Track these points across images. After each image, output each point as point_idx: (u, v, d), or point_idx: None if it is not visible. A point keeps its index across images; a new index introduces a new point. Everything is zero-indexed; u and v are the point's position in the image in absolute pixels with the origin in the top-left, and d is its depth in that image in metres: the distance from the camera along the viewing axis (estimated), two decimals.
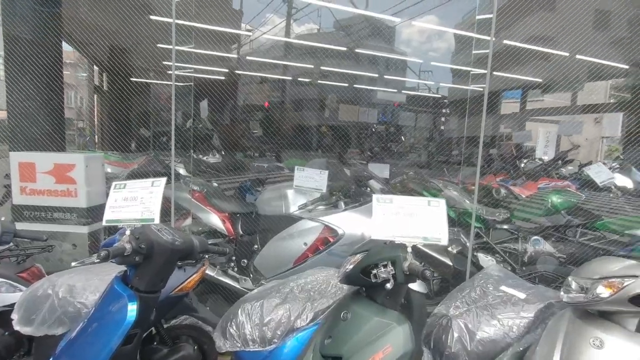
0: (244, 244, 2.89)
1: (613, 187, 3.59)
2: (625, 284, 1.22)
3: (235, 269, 2.88)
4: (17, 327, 1.72)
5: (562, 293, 1.43)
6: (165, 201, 3.32)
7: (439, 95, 11.08)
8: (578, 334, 1.30)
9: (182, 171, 3.88)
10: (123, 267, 1.53)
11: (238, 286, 2.82)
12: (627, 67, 7.11)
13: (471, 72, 3.14)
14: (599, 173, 3.11)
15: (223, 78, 8.57)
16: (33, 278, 2.18)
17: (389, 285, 1.18)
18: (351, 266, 1.34)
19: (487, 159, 6.53)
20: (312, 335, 1.53)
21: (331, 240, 2.53)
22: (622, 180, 3.73)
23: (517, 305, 1.62)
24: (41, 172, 2.68)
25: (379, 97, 10.21)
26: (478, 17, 2.66)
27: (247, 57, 8.23)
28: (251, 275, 2.82)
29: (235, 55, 8.55)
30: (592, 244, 2.69)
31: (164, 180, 1.28)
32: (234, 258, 2.88)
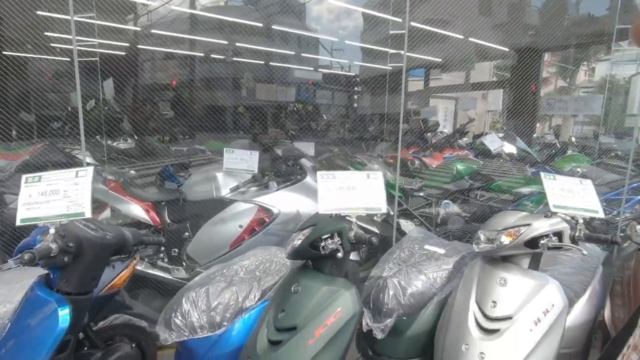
0: (173, 233, 2.74)
1: (503, 154, 4.24)
2: (521, 231, 1.50)
3: (166, 259, 2.73)
4: None
5: (473, 245, 1.69)
6: None
7: (352, 74, 11.51)
8: (488, 277, 1.57)
9: (88, 159, 3.44)
10: (40, 271, 1.36)
11: (170, 277, 2.69)
12: (507, 49, 8.24)
13: (389, 53, 3.33)
14: (492, 142, 3.64)
15: (124, 53, 7.67)
16: None
17: (340, 255, 1.27)
18: (299, 241, 1.40)
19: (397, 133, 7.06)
20: (262, 312, 1.57)
21: (267, 220, 2.55)
22: (509, 148, 4.43)
23: (438, 260, 1.86)
24: None
25: (296, 75, 10.21)
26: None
27: (154, 31, 7.45)
28: (184, 264, 2.72)
29: (138, 28, 7.67)
30: (489, 203, 3.17)
31: (91, 169, 1.15)
32: (163, 248, 2.73)
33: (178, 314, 1.60)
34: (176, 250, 2.71)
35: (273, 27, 8.46)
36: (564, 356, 1.73)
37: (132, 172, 3.05)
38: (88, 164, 3.58)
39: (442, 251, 1.91)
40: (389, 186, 3.32)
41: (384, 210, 1.42)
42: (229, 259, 2.46)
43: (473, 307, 1.53)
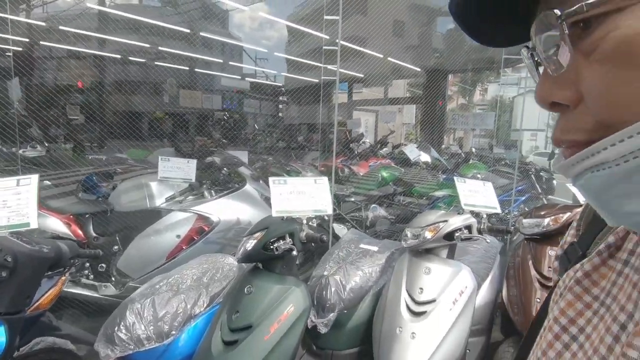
0: (100, 247, 2.55)
1: (420, 162, 4.77)
2: (440, 227, 1.79)
3: (91, 276, 2.53)
4: None
5: (402, 242, 1.94)
6: None
7: (279, 84, 11.70)
8: (415, 267, 1.82)
9: None
10: None
11: (97, 295, 2.51)
12: (418, 69, 9.20)
13: (323, 67, 3.55)
14: (411, 152, 4.09)
15: (20, 49, 6.77)
16: None
17: (295, 253, 1.38)
18: (252, 244, 1.48)
19: (327, 143, 7.41)
20: (213, 317, 1.60)
21: (206, 229, 2.54)
22: (425, 157, 5.00)
23: (372, 257, 2.08)
24: None
25: (222, 83, 10.03)
26: (326, 17, 3.06)
27: (63, 27, 6.71)
28: (113, 280, 2.55)
29: (42, 23, 6.84)
30: (409, 206, 3.56)
31: (35, 177, 1.09)
32: (87, 264, 2.53)
33: (122, 327, 1.55)
34: (104, 265, 2.53)
35: (201, 33, 8.23)
36: (473, 332, 2.06)
37: (47, 182, 2.76)
38: None
39: (375, 249, 2.14)
40: None
41: (330, 212, 1.57)
42: (166, 270, 2.40)
43: (404, 294, 1.76)
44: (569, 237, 0.44)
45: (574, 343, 0.35)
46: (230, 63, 12.18)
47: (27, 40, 6.42)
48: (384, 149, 8.34)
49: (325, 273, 1.98)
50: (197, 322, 1.65)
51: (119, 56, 8.01)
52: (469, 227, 1.76)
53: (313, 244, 1.45)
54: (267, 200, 2.77)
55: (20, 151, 3.40)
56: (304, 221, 1.45)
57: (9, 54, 2.34)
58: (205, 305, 1.68)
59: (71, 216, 2.55)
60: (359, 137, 7.41)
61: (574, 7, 0.26)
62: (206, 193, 2.71)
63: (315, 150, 6.44)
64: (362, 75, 8.67)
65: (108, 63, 9.34)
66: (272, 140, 8.59)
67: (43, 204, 2.53)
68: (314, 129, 10.26)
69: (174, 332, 1.60)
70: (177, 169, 2.57)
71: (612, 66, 0.25)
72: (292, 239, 1.43)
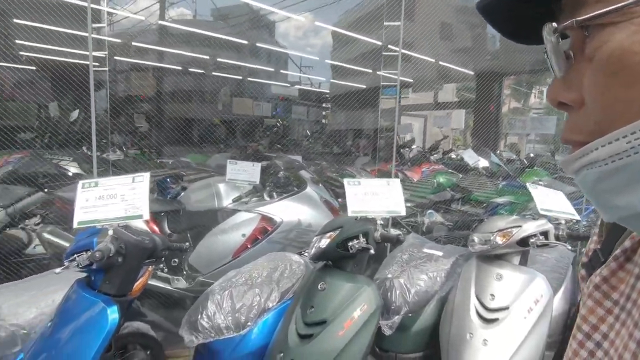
0: (173, 243, 2.76)
1: (479, 167, 4.61)
2: (513, 232, 1.74)
3: (165, 269, 2.74)
4: None
5: (469, 247, 1.90)
6: (67, 204, 2.91)
7: (327, 91, 11.86)
8: (485, 273, 1.78)
9: (75, 170, 3.38)
10: (65, 278, 1.41)
11: (170, 287, 2.70)
12: (470, 72, 8.91)
13: (381, 74, 3.58)
14: (470, 157, 3.98)
15: (97, 64, 7.49)
16: None
17: (372, 252, 1.42)
18: (326, 242, 1.54)
19: (375, 148, 7.39)
20: (286, 311, 1.68)
21: (269, 229, 2.65)
22: (483, 162, 4.83)
23: (437, 261, 2.06)
24: None
25: (272, 91, 10.38)
26: (386, 23, 3.10)
27: (135, 43, 7.36)
28: (185, 274, 2.74)
29: (117, 40, 7.55)
30: (468, 212, 3.46)
31: (147, 175, 1.24)
32: (162, 259, 2.74)
33: (204, 315, 1.67)
34: (176, 260, 2.73)
35: (256, 44, 8.61)
36: (548, 344, 1.97)
37: None
38: (77, 175, 3.51)
39: (439, 253, 2.12)
40: None
41: (403, 213, 1.60)
42: (232, 268, 2.54)
43: (474, 300, 1.73)
44: (592, 244, 0.44)
45: (599, 350, 0.35)
46: (275, 71, 12.57)
47: (103, 55, 7.09)
48: (434, 154, 8.14)
49: (390, 275, 2.00)
50: (270, 315, 1.74)
51: (179, 67, 8.59)
52: (545, 234, 1.69)
53: (387, 244, 1.48)
54: (327, 203, 2.85)
55: (104, 155, 3.81)
56: (379, 221, 1.49)
57: (105, 68, 2.62)
58: (277, 300, 1.77)
59: (150, 214, 2.78)
60: (409, 142, 7.32)
61: (566, 23, 0.28)
62: (269, 195, 2.83)
63: (365, 155, 6.46)
64: (411, 80, 8.56)
65: (168, 74, 10.05)
66: (320, 146, 8.73)
67: None
68: (360, 134, 10.28)
69: (249, 324, 1.70)
70: (244, 172, 2.72)
71: (605, 74, 0.27)
72: (367, 239, 1.47)
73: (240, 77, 9.35)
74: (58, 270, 1.17)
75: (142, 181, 1.22)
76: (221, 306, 1.69)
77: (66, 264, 1.19)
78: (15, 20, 5.06)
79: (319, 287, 1.55)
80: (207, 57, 7.88)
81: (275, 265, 1.97)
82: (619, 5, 0.26)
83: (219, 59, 8.49)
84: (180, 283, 2.71)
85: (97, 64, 2.77)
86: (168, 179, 3.06)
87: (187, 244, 1.81)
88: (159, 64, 8.32)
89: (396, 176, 4.42)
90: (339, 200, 3.10)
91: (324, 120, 13.26)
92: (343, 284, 1.52)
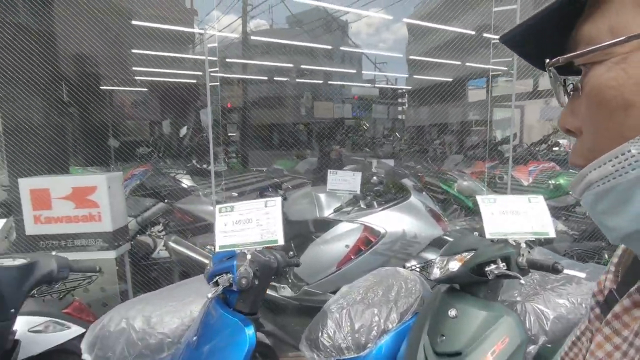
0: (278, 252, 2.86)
1: None
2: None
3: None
4: None
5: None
6: (185, 215, 3.20)
7: (407, 87, 11.44)
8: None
9: (188, 182, 3.73)
10: (205, 286, 1.50)
11: (276, 295, 2.80)
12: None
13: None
14: None
15: (194, 81, 8.28)
16: (78, 313, 2.05)
17: (522, 282, 1.26)
18: (456, 266, 1.41)
19: (467, 146, 6.87)
20: (408, 334, 1.58)
21: (373, 240, 2.58)
22: None
23: (580, 284, 1.77)
24: (57, 197, 2.48)
25: (353, 92, 10.36)
26: (495, 8, 2.81)
27: (227, 60, 7.98)
28: (290, 282, 2.82)
29: (214, 58, 8.25)
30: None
31: (279, 200, 1.26)
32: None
33: (324, 334, 1.66)
34: (286, 269, 2.82)
35: (338, 46, 8.68)
36: None
37: (234, 193, 3.25)
38: (190, 187, 3.88)
39: (582, 275, 1.82)
40: None
41: (553, 235, 1.39)
42: (337, 278, 2.52)
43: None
44: (608, 282, 0.44)
45: None
46: (352, 71, 12.49)
47: (200, 73, 7.79)
48: (554, 148, 7.20)
49: (519, 298, 1.77)
50: (389, 337, 1.66)
51: (264, 77, 9.04)
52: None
53: (533, 271, 1.29)
54: (431, 212, 2.68)
55: (209, 167, 4.17)
56: (523, 245, 1.31)
57: (216, 82, 2.81)
58: (396, 321, 1.68)
59: None
60: (505, 139, 6.64)
61: (554, 60, 0.34)
62: (368, 204, 2.77)
63: (456, 154, 6.04)
64: (505, 69, 7.77)
65: (252, 83, 10.67)
66: (403, 145, 8.42)
67: None
68: (445, 130, 9.68)
69: (369, 345, 1.64)
70: (344, 182, 2.70)
71: (591, 105, 0.32)
72: (507, 264, 1.30)
73: (321, 82, 9.49)
74: (210, 295, 1.25)
75: (275, 205, 1.24)
76: (341, 325, 1.66)
77: (211, 286, 1.27)
78: (133, 50, 5.80)
79: (449, 313, 1.42)
80: (291, 65, 8.16)
81: (390, 283, 1.89)
82: (596, 46, 0.30)
83: (301, 65, 8.73)
84: (286, 291, 2.79)
85: (216, 83, 3.01)
86: (270, 189, 3.19)
87: (299, 261, 1.81)
88: (256, 77, 8.87)
89: (499, 177, 4.01)
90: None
91: (400, 117, 12.82)
92: (478, 312, 1.37)
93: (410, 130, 11.02)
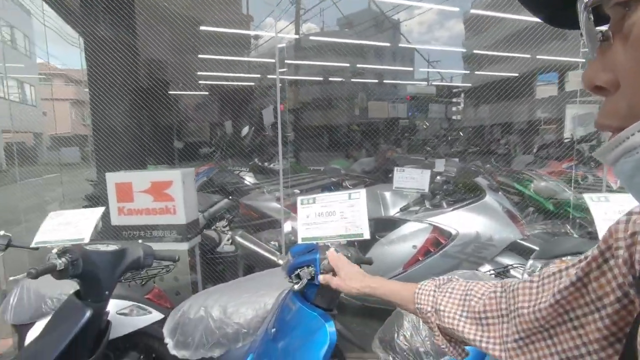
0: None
1: None
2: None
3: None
4: (173, 352, 1.69)
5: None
6: (251, 211, 3.28)
7: (468, 85, 10.89)
8: None
9: (250, 179, 3.84)
10: (277, 279, 1.49)
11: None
12: None
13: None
14: None
15: (252, 84, 8.57)
16: (158, 299, 2.17)
17: None
18: None
19: (538, 146, 6.37)
20: None
21: (443, 241, 2.45)
22: None
23: None
24: (138, 191, 2.66)
25: (408, 91, 10.09)
26: None
27: (286, 61, 8.18)
28: None
29: (272, 60, 8.53)
30: None
31: (363, 192, 1.22)
32: None
33: (401, 336, 1.59)
34: None
35: (400, 45, 8.53)
36: None
37: (297, 191, 3.28)
38: (254, 184, 4.00)
39: None
40: (567, 205, 2.93)
41: None
42: (403, 280, 2.40)
43: None
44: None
45: None
46: (404, 70, 12.15)
47: (259, 76, 8.07)
48: None
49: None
50: (471, 349, 1.54)
51: (320, 78, 9.11)
52: None
53: None
54: (509, 213, 2.48)
55: (271, 165, 4.29)
56: None
57: (280, 84, 2.86)
58: None
59: None
60: (587, 136, 6.03)
61: None
62: (436, 204, 2.63)
63: (525, 154, 5.61)
64: (582, 60, 7.07)
65: (304, 84, 10.82)
66: (464, 145, 8.01)
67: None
68: (510, 129, 9.05)
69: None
70: (411, 180, 2.59)
71: (637, 51, 0.27)
72: None
73: (376, 81, 9.36)
74: (297, 287, 1.24)
75: (359, 198, 1.20)
76: (418, 329, 1.57)
77: (293, 279, 1.25)
78: (200, 56, 6.14)
79: None
80: (347, 65, 8.14)
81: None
82: None
83: (357, 65, 8.69)
84: None
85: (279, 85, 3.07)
86: (332, 187, 3.17)
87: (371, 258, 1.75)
88: (322, 78, 9.02)
89: (583, 178, 3.63)
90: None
91: (455, 117, 12.22)
92: None
93: (468, 130, 10.47)
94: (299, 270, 1.27)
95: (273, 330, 1.39)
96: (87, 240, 1.51)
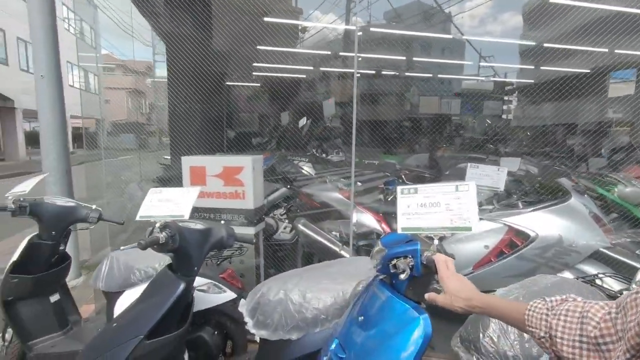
0: None
1: None
2: None
3: None
4: (252, 331, 1.75)
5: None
6: (312, 200, 3.31)
7: (530, 81, 10.24)
8: None
9: (309, 169, 3.88)
10: (352, 269, 1.48)
11: None
12: None
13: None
14: None
15: (304, 76, 8.63)
16: (231, 279, 2.25)
17: None
18: None
19: (610, 148, 5.87)
20: None
21: (519, 243, 2.32)
22: None
23: None
24: (211, 175, 2.77)
25: (463, 86, 9.69)
26: None
27: (341, 53, 8.16)
28: None
29: (327, 52, 8.55)
30: None
31: (473, 184, 1.17)
32: None
33: (486, 337, 1.53)
34: None
35: (464, 37, 8.19)
36: None
37: (359, 183, 3.26)
38: (317, 174, 4.04)
39: None
40: None
41: None
42: (472, 281, 2.31)
43: None
44: None
45: None
46: (485, 64, 11.61)
47: (311, 68, 8.10)
48: None
49: None
50: None
51: (372, 71, 8.99)
52: None
53: None
54: (596, 218, 2.30)
55: (329, 156, 4.32)
56: None
57: (358, 75, 2.84)
58: None
59: (380, 214, 2.88)
60: None
61: None
62: (513, 204, 2.49)
63: (598, 157, 5.19)
64: None
65: (361, 78, 10.71)
66: (530, 144, 7.56)
67: (358, 201, 2.97)
68: (574, 130, 8.41)
69: (542, 359, 1.46)
70: (486, 177, 2.48)
71: None
72: None
73: (430, 75, 9.07)
74: (403, 276, 1.22)
75: (468, 190, 1.15)
76: (506, 331, 1.50)
77: (389, 268, 1.24)
78: (258, 47, 6.25)
79: None
80: (403, 58, 7.94)
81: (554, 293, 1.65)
82: None
83: (418, 59, 8.47)
84: None
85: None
86: (395, 180, 3.12)
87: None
88: (366, 71, 8.97)
89: None
90: None
91: (507, 116, 11.55)
92: None
93: (531, 129, 9.87)
94: (395, 260, 1.25)
95: (361, 317, 1.39)
96: (186, 217, 1.58)
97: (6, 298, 2.11)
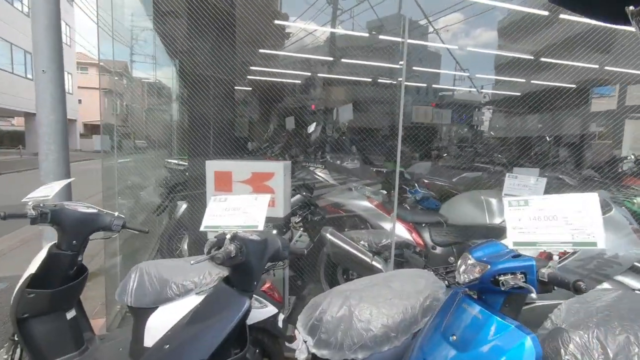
0: (437, 257, 2.72)
1: None
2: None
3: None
4: (313, 350, 1.62)
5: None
6: (338, 208, 3.20)
7: (519, 93, 10.60)
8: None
9: (325, 176, 3.78)
10: (422, 285, 1.40)
11: None
12: None
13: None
14: None
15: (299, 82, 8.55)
16: (271, 293, 2.11)
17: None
18: None
19: (596, 161, 6.11)
20: None
21: (560, 255, 2.31)
22: None
23: None
24: (238, 181, 2.63)
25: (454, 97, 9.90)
26: None
27: (344, 60, 8.12)
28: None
29: (329, 58, 8.48)
30: None
31: (595, 195, 1.12)
32: None
33: (568, 355, 1.47)
34: None
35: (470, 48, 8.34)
36: None
37: (384, 191, 3.19)
38: (338, 181, 3.93)
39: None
40: None
41: None
42: None
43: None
44: None
45: None
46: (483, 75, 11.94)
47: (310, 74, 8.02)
48: None
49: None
50: None
51: (369, 79, 9.02)
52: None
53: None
54: (636, 231, 2.32)
55: (343, 163, 4.23)
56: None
57: (405, 82, 2.78)
58: None
59: (411, 224, 2.82)
60: None
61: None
62: None
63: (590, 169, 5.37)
64: None
65: (337, 84, 10.70)
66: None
67: (387, 210, 2.89)
68: (561, 142, 8.73)
69: None
70: (523, 187, 2.46)
71: None
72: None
73: (425, 85, 9.21)
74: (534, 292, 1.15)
75: (590, 202, 1.10)
76: (589, 348, 1.45)
77: (490, 284, 1.17)
78: (260, 50, 6.13)
79: None
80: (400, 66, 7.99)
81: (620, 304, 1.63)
82: None
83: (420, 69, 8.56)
84: None
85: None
86: (405, 187, 3.07)
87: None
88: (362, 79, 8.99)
89: None
90: None
91: (481, 127, 11.93)
92: None
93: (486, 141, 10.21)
94: (502, 276, 1.18)
95: (453, 337, 1.30)
96: (260, 228, 1.45)
97: (20, 315, 1.89)
